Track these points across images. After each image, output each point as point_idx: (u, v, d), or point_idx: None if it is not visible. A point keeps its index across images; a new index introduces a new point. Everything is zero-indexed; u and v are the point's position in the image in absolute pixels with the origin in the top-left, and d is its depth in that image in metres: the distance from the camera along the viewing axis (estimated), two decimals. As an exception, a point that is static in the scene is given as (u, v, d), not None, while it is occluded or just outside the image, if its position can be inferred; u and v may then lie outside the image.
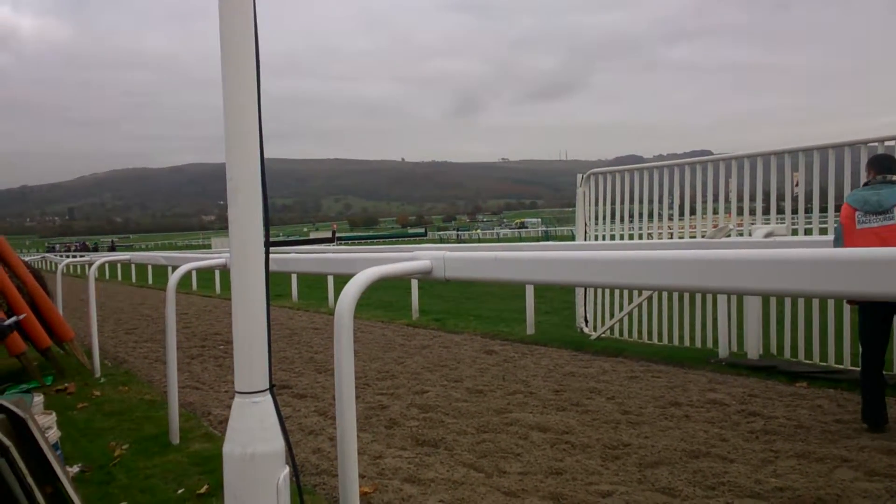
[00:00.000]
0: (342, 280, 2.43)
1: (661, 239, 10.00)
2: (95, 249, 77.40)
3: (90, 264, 8.94)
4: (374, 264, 2.41)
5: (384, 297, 15.22)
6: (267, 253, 1.98)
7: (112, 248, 79.57)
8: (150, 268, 26.19)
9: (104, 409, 6.55)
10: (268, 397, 1.92)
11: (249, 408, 1.90)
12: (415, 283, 12.16)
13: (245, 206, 1.92)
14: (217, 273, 20.59)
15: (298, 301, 16.05)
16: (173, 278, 5.07)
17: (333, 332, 2.20)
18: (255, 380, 1.91)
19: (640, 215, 9.31)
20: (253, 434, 1.88)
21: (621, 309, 9.16)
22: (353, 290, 2.22)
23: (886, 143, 6.57)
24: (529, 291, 9.89)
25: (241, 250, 1.91)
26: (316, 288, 17.83)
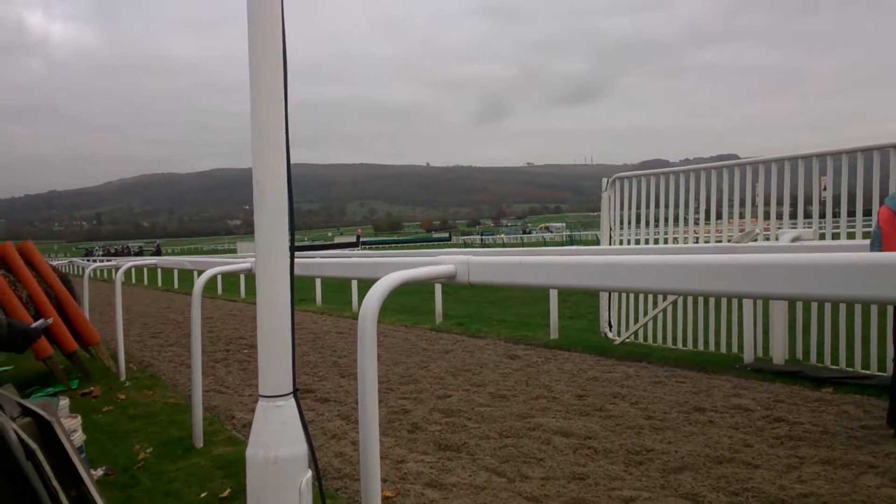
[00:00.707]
0: (366, 284, 2.44)
1: (687, 244, 9.93)
2: (140, 253, 73.29)
3: (117, 269, 9.07)
4: (398, 269, 2.42)
5: (408, 301, 15.25)
6: (292, 258, 2.00)
7: (157, 252, 72.80)
8: (176, 272, 26.50)
9: (129, 412, 6.63)
10: (291, 401, 1.94)
11: (273, 411, 1.91)
12: (438, 288, 12.18)
13: (271, 212, 1.94)
14: (242, 277, 20.78)
15: (322, 305, 16.14)
16: (199, 283, 5.13)
17: (357, 337, 2.21)
18: (279, 383, 1.92)
19: (666, 220, 9.24)
20: (276, 438, 1.90)
21: (645, 314, 9.09)
22: (377, 294, 2.23)
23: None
24: (553, 296, 9.85)
25: (267, 255, 1.93)
26: (340, 292, 17.92)
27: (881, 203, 5.34)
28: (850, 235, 7.06)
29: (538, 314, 11.58)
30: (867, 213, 6.93)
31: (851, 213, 7.12)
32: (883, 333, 6.47)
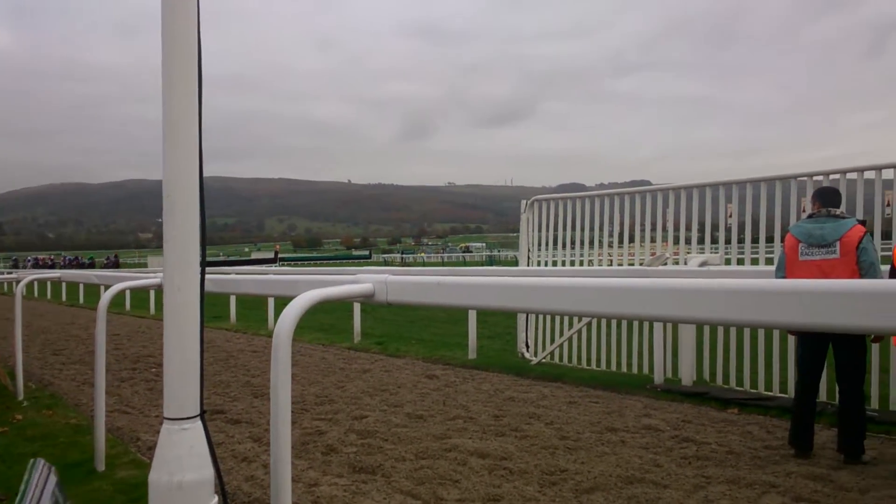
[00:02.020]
0: (284, 301, 2.39)
1: (602, 265, 10.19)
2: (91, 265, 62.53)
3: (17, 282, 8.59)
4: (315, 287, 2.37)
5: (325, 319, 15.04)
6: (202, 273, 1.93)
7: (115, 265, 62.14)
8: (81, 286, 25.34)
9: (26, 433, 6.25)
10: (198, 424, 1.86)
11: (178, 434, 1.83)
12: (357, 306, 12.06)
13: (181, 225, 1.87)
14: (152, 293, 20.04)
15: (237, 323, 15.72)
16: (105, 298, 4.91)
17: (271, 356, 2.15)
18: (185, 405, 1.85)
19: (582, 242, 9.47)
20: (181, 462, 1.82)
21: (561, 334, 9.25)
22: (292, 313, 2.18)
23: (815, 178, 6.84)
24: (472, 316, 9.91)
25: (176, 270, 1.86)
26: (256, 309, 17.51)
27: (783, 230, 5.62)
28: (755, 261, 7.40)
29: (457, 334, 11.62)
30: (770, 239, 7.29)
31: (755, 240, 7.46)
32: (785, 356, 6.78)
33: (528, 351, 9.75)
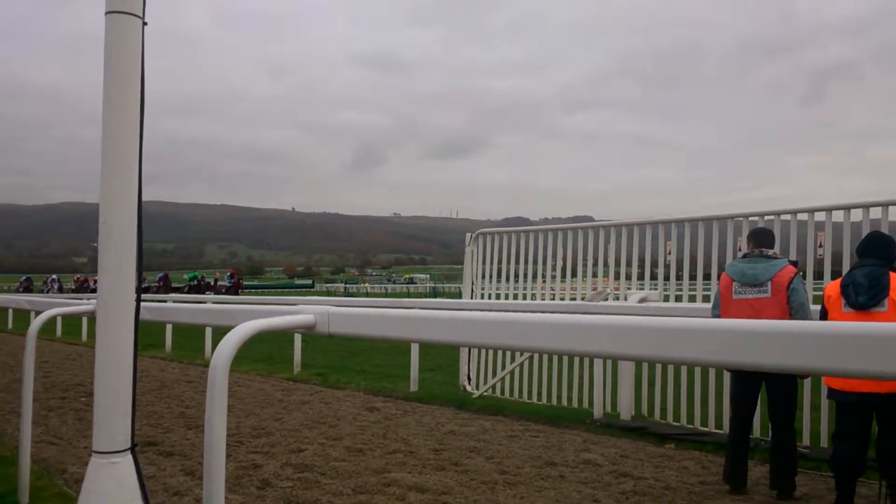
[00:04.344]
0: (222, 330, 2.34)
1: (544, 299, 10.30)
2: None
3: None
4: (254, 317, 2.34)
5: (265, 348, 14.75)
6: (138, 301, 1.89)
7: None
8: (10, 311, 24.32)
9: (-58, 465, 5.92)
10: (128, 457, 1.80)
11: (107, 469, 1.77)
12: (298, 336, 11.88)
13: (117, 251, 1.83)
14: (85, 319, 19.36)
15: (172, 352, 15.29)
16: (35, 324, 4.72)
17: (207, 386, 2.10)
18: (116, 438, 1.79)
19: (525, 275, 9.57)
20: (109, 497, 1.75)
21: (504, 367, 9.28)
22: (230, 343, 2.13)
23: (751, 218, 7.09)
24: (414, 348, 9.85)
25: (110, 298, 1.81)
26: (193, 338, 17.06)
27: (720, 268, 5.78)
28: (692, 298, 7.58)
29: (399, 365, 11.53)
30: (707, 276, 7.50)
31: (693, 277, 7.66)
32: (720, 392, 6.93)
33: (469, 384, 9.74)
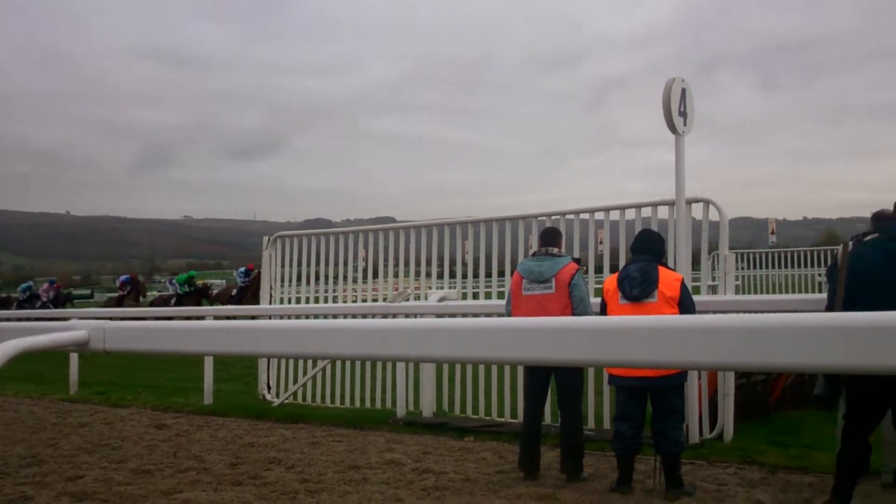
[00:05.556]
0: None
1: (347, 301, 10.25)
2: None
3: None
4: (18, 334, 2.04)
5: (35, 367, 13.25)
6: None
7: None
8: None
9: None
10: None
11: None
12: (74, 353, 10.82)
13: None
14: None
15: (-80, 376, 13.31)
16: None
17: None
18: None
19: (327, 277, 9.44)
20: None
21: (304, 374, 9.07)
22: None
23: (540, 218, 7.51)
24: (208, 359, 9.34)
25: None
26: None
27: (513, 266, 6.06)
28: (488, 295, 7.90)
29: (193, 378, 10.86)
30: (501, 273, 7.85)
31: (489, 274, 7.98)
32: (514, 384, 7.26)
33: (269, 392, 9.41)
